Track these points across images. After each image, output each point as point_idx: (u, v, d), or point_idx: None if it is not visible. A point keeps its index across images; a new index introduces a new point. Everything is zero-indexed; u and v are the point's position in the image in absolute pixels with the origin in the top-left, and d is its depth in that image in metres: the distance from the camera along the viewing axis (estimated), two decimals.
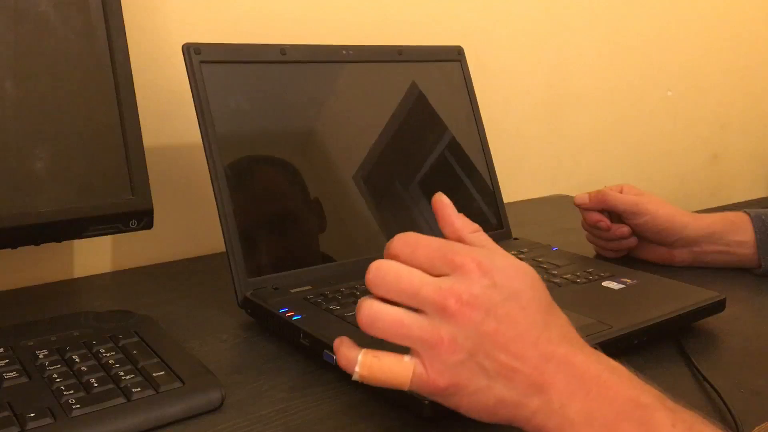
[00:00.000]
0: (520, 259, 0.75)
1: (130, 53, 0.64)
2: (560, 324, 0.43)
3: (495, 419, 0.42)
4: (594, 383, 0.40)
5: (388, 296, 0.42)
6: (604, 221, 0.82)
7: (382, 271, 0.42)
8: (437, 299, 0.41)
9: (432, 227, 0.77)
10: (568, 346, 0.42)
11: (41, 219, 0.59)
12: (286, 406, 0.51)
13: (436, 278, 0.41)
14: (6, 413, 0.46)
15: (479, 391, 0.41)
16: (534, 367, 0.40)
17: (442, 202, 0.47)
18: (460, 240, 0.45)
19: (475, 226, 0.46)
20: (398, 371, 0.41)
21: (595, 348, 0.43)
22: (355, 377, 0.43)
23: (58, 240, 0.62)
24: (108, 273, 0.84)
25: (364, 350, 0.43)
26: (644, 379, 0.41)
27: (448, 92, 0.83)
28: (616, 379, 0.40)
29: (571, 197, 0.88)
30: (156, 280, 0.80)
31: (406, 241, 0.43)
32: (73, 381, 0.50)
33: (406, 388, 0.42)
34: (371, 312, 0.42)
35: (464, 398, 0.41)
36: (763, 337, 0.65)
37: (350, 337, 0.54)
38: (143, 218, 0.64)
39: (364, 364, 0.42)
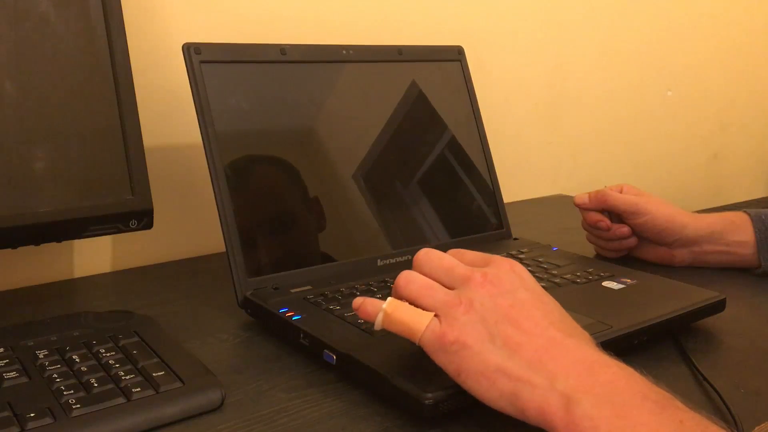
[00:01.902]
0: (520, 259, 0.75)
1: (130, 53, 0.64)
2: (578, 326, 0.46)
3: (495, 392, 0.42)
4: (603, 372, 0.41)
5: (429, 273, 0.48)
6: (604, 221, 0.82)
7: (430, 254, 0.49)
8: (467, 273, 0.46)
9: (431, 226, 0.77)
10: (580, 339, 0.43)
11: (41, 219, 0.59)
12: (286, 406, 0.51)
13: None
14: (6, 413, 0.46)
15: (482, 353, 0.43)
16: (539, 347, 0.42)
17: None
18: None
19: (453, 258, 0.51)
20: (417, 318, 0.46)
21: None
22: (378, 320, 0.47)
23: (58, 240, 0.62)
24: (108, 273, 0.84)
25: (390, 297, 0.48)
26: (654, 381, 0.41)
27: (448, 92, 0.83)
28: (627, 374, 0.41)
29: (571, 197, 0.88)
30: (156, 280, 0.80)
31: (454, 252, 0.50)
32: (73, 381, 0.50)
33: (418, 337, 0.45)
34: (409, 276, 0.48)
35: (466, 359, 0.43)
36: (763, 337, 0.65)
37: (350, 337, 0.55)
38: (143, 218, 0.64)
39: (391, 303, 0.47)
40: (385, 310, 0.47)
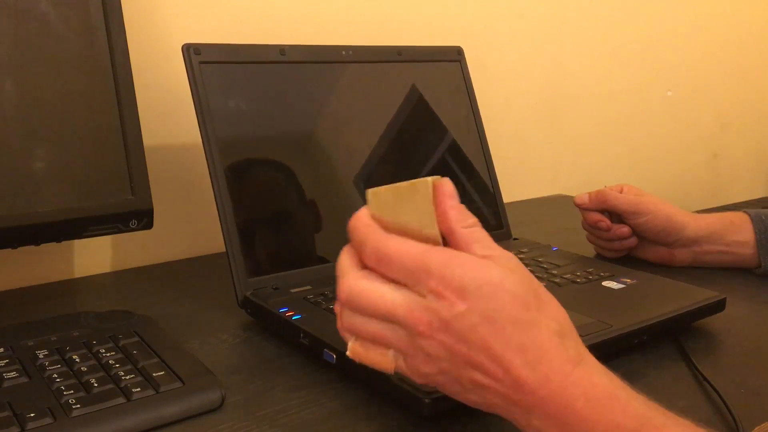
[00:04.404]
0: (520, 258, 0.75)
1: (130, 53, 0.64)
2: (543, 338, 0.40)
3: (484, 408, 0.42)
4: (575, 405, 0.39)
5: (366, 315, 0.43)
6: (604, 221, 0.82)
7: (354, 296, 0.42)
8: (410, 322, 0.41)
9: None
10: (548, 366, 0.40)
11: (41, 219, 0.59)
12: (286, 406, 0.51)
13: (409, 297, 0.41)
14: (6, 413, 0.46)
15: (458, 394, 0.42)
16: (508, 389, 0.40)
17: (443, 190, 0.44)
18: (450, 234, 0.43)
19: (471, 219, 0.45)
20: (381, 361, 0.43)
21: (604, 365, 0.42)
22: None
23: (58, 240, 0.62)
24: (108, 273, 0.84)
25: (353, 338, 0.44)
26: (632, 391, 0.40)
27: (448, 92, 0.83)
28: (599, 403, 0.39)
29: (571, 197, 0.88)
30: (156, 280, 0.80)
31: (378, 255, 0.42)
32: (73, 381, 0.50)
33: (392, 373, 0.44)
34: (353, 326, 0.43)
35: (446, 390, 0.43)
36: (763, 337, 0.65)
37: None
38: (143, 218, 0.64)
39: (353, 350, 0.44)
40: (349, 355, 0.44)
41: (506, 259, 0.43)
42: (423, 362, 0.41)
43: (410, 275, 0.41)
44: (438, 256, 0.41)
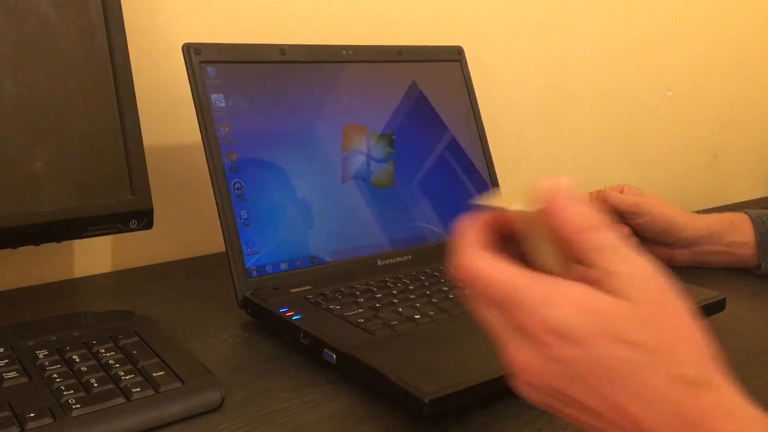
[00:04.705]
0: None
1: (130, 53, 0.64)
2: (667, 388, 0.34)
3: None
4: None
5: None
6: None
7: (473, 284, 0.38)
8: (505, 358, 0.37)
9: (432, 226, 0.77)
10: (680, 420, 0.34)
11: (41, 219, 0.59)
12: (286, 406, 0.51)
13: (505, 332, 0.37)
14: (6, 413, 0.46)
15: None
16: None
17: (552, 191, 0.36)
18: (570, 241, 0.36)
19: (595, 219, 0.36)
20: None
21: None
22: None
23: (58, 240, 0.62)
24: (108, 273, 0.83)
25: None
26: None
27: (448, 92, 0.83)
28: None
29: None
30: (156, 280, 0.80)
31: (471, 279, 0.37)
32: (73, 381, 0.50)
33: None
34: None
35: None
36: (763, 337, 0.65)
37: (350, 336, 0.55)
38: (143, 218, 0.64)
39: None
40: None
41: (634, 278, 0.36)
42: (526, 392, 0.37)
43: (505, 305, 0.36)
44: (533, 289, 0.35)
